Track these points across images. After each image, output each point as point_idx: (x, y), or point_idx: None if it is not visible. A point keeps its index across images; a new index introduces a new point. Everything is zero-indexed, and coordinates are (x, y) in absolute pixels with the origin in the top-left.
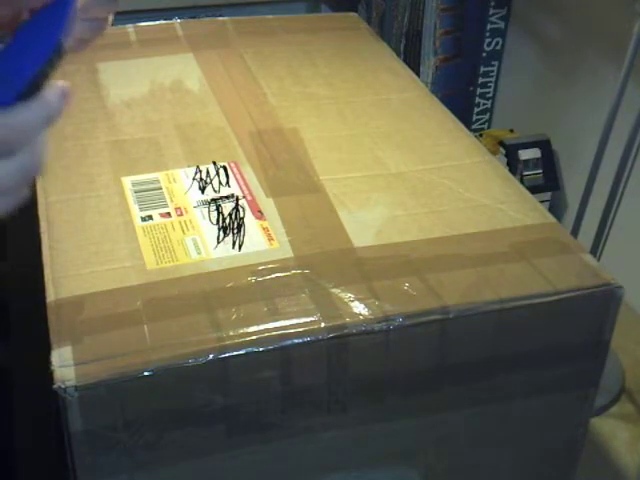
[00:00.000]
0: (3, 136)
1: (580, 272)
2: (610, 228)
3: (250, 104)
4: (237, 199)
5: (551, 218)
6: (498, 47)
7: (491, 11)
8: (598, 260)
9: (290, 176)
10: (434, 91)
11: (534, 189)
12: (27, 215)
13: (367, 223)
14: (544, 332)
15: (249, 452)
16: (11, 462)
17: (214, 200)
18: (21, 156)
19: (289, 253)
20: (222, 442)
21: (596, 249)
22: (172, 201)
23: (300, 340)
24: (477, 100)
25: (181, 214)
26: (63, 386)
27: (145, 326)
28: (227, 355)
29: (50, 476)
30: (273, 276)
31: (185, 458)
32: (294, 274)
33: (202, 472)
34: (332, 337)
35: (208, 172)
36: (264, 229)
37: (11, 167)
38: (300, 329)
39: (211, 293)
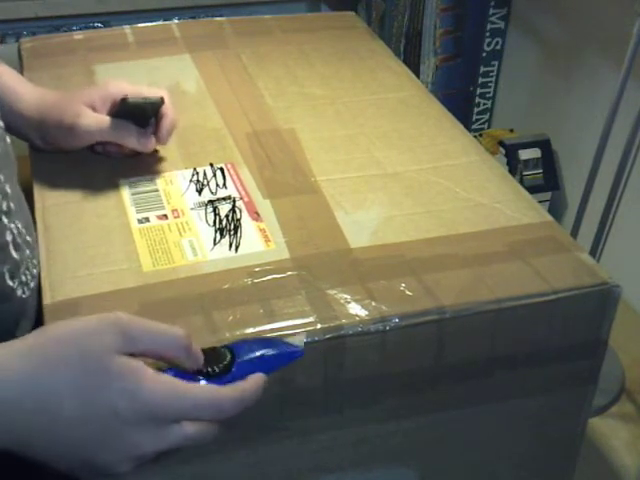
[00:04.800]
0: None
1: (577, 271)
2: (610, 228)
3: (247, 105)
4: (234, 200)
5: (548, 217)
6: (498, 47)
7: (491, 11)
8: (598, 260)
9: (287, 177)
10: (434, 91)
11: (534, 189)
12: None
13: (363, 224)
14: (541, 331)
15: (246, 453)
16: (11, 462)
17: (211, 202)
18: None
19: (285, 254)
20: (220, 443)
21: (596, 249)
22: (169, 203)
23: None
24: (477, 100)
25: (178, 216)
26: None
27: None
28: None
29: (50, 476)
30: (269, 277)
31: (184, 459)
32: (290, 275)
33: (201, 473)
34: (328, 338)
35: (205, 174)
36: (261, 230)
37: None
38: (296, 331)
39: (207, 295)
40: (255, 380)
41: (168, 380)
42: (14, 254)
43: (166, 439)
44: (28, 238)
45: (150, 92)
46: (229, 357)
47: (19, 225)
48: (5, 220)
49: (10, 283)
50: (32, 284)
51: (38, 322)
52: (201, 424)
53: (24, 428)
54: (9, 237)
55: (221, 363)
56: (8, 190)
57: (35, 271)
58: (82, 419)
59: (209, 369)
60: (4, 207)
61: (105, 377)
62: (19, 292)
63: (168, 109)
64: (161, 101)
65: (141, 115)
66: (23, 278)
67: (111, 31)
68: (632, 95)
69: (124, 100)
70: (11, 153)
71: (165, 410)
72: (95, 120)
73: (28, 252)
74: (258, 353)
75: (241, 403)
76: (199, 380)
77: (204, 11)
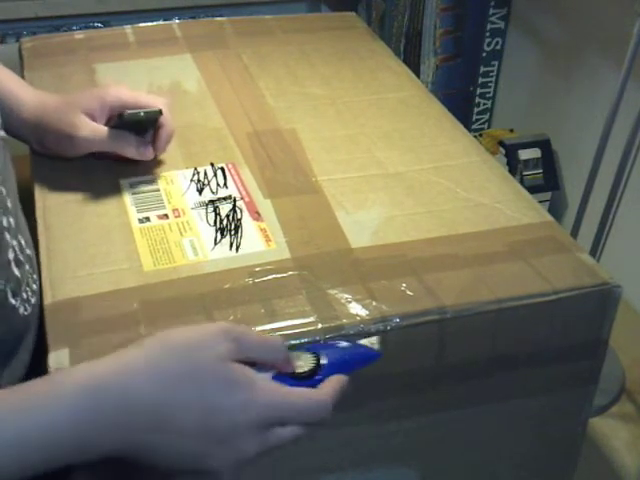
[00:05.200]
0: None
1: (578, 271)
2: (610, 228)
3: (248, 105)
4: (235, 200)
5: (548, 217)
6: (498, 47)
7: (491, 11)
8: (598, 260)
9: (288, 177)
10: (434, 91)
11: (534, 189)
12: (26, 218)
13: (364, 224)
14: (542, 331)
15: None
16: None
17: (212, 201)
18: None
19: (286, 254)
20: None
21: (596, 249)
22: (170, 203)
23: (297, 341)
24: (477, 100)
25: (178, 216)
26: None
27: (142, 328)
28: None
29: (49, 477)
30: (270, 277)
31: None
32: (291, 275)
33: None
34: (329, 338)
35: (206, 174)
36: (261, 230)
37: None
38: (297, 330)
39: (208, 294)
40: (341, 382)
41: (276, 388)
42: (16, 271)
43: (268, 442)
44: (28, 251)
45: (148, 100)
46: (314, 361)
47: (21, 241)
48: (7, 237)
49: (12, 301)
50: (33, 300)
51: (40, 333)
52: (299, 426)
53: (143, 441)
54: (11, 255)
55: (308, 366)
56: (9, 205)
57: (35, 286)
58: (201, 433)
59: (299, 371)
60: (5, 223)
61: (223, 389)
62: (21, 310)
63: (166, 119)
64: (159, 112)
65: (139, 127)
66: (24, 295)
67: (112, 31)
68: (632, 95)
69: (121, 115)
70: (11, 167)
71: (274, 418)
72: (93, 131)
73: (28, 267)
74: (341, 356)
75: (332, 405)
76: (292, 382)
77: (204, 11)
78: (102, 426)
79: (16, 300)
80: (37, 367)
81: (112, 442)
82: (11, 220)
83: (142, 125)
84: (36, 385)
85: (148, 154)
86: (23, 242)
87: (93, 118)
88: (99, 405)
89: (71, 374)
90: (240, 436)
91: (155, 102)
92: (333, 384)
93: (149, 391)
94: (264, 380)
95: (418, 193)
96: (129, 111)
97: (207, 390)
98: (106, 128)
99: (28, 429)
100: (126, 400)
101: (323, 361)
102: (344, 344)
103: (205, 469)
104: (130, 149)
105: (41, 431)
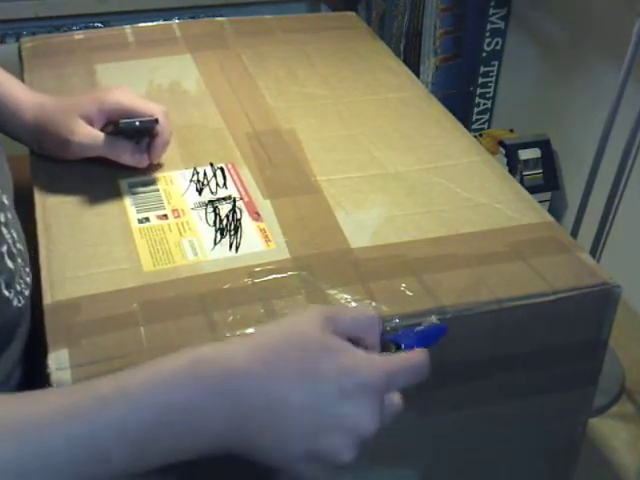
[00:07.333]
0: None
1: (578, 271)
2: (610, 228)
3: (248, 105)
4: (234, 200)
5: (548, 217)
6: (498, 47)
7: (491, 11)
8: (598, 260)
9: (287, 177)
10: (434, 91)
11: (534, 189)
12: (25, 218)
13: (364, 224)
14: (542, 332)
15: None
16: None
17: (211, 202)
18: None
19: (286, 254)
20: None
21: (596, 249)
22: (169, 203)
23: None
24: (477, 100)
25: (178, 216)
26: None
27: (142, 328)
28: None
29: None
30: (270, 277)
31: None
32: (291, 275)
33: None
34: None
35: (205, 174)
36: (261, 230)
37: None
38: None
39: (208, 295)
40: (425, 351)
41: (376, 356)
42: (9, 264)
43: (383, 414)
44: (19, 246)
45: (147, 106)
46: (394, 346)
47: (14, 235)
48: (4, 231)
49: (6, 293)
50: (26, 292)
51: (32, 327)
52: (399, 393)
53: (254, 424)
54: (4, 247)
55: (389, 350)
56: (5, 201)
57: (28, 279)
58: (309, 402)
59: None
60: (2, 218)
61: (326, 356)
62: (15, 302)
63: (163, 127)
64: (154, 122)
65: (135, 135)
66: (18, 287)
67: (111, 31)
68: (632, 95)
69: (117, 124)
70: (5, 163)
71: (383, 382)
72: (89, 137)
73: (20, 260)
74: (415, 336)
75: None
76: None
77: (204, 11)
78: (208, 395)
79: (10, 292)
80: (28, 362)
81: (221, 420)
82: (9, 215)
83: (138, 134)
84: (128, 375)
85: (143, 161)
86: (15, 236)
87: (91, 122)
88: (201, 374)
89: (168, 359)
90: (349, 404)
91: (153, 110)
92: (419, 350)
93: (249, 365)
94: (363, 351)
95: (418, 193)
96: (125, 120)
97: (310, 361)
98: (102, 134)
99: (131, 416)
100: (230, 372)
101: (402, 344)
102: (406, 328)
103: (322, 452)
104: (125, 156)
105: (144, 416)
